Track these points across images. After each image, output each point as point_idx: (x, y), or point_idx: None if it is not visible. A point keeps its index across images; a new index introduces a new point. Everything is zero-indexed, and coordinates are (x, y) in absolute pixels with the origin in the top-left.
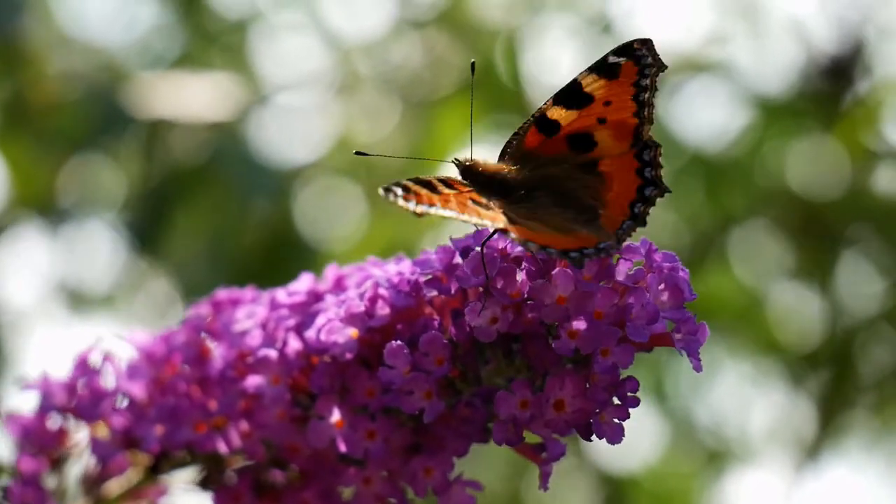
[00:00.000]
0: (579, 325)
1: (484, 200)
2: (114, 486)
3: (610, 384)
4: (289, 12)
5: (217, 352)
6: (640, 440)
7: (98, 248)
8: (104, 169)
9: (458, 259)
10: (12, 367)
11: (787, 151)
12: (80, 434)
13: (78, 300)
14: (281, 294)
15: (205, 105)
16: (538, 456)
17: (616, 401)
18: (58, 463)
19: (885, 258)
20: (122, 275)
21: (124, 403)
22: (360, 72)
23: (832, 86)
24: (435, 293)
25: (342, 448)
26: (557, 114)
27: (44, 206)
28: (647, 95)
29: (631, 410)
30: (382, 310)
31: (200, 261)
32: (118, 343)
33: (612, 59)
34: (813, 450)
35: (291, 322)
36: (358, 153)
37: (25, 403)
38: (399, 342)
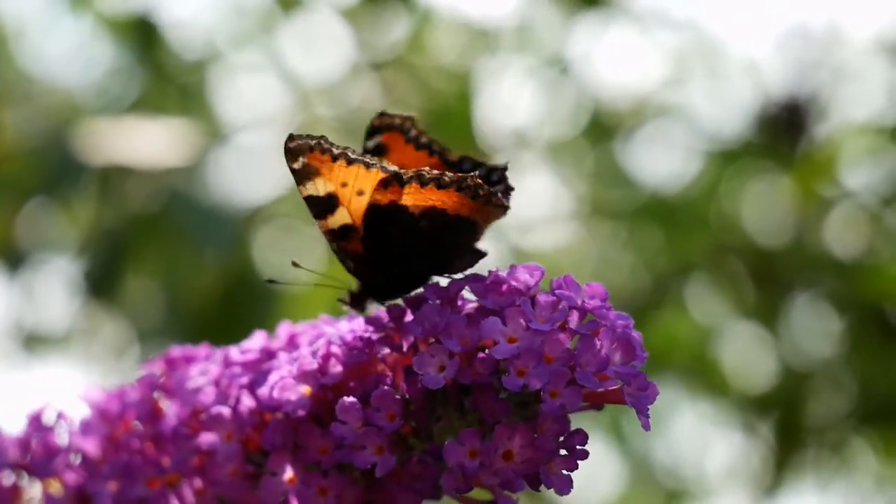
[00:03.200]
0: (528, 363)
1: None
2: None
3: (558, 434)
4: (247, 53)
5: (170, 409)
6: (599, 480)
7: (53, 292)
8: (59, 215)
9: (409, 317)
10: None
11: (743, 194)
12: (34, 490)
13: (33, 342)
14: (234, 352)
15: (160, 150)
16: None
17: (565, 452)
18: None
19: (837, 303)
20: (78, 318)
21: (77, 460)
22: (319, 113)
23: (788, 129)
24: (387, 351)
25: None
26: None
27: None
28: (424, 139)
29: (580, 462)
30: (335, 367)
31: (156, 306)
32: (71, 400)
33: (370, 143)
34: (769, 490)
35: (244, 380)
36: (294, 264)
37: None
38: (351, 398)
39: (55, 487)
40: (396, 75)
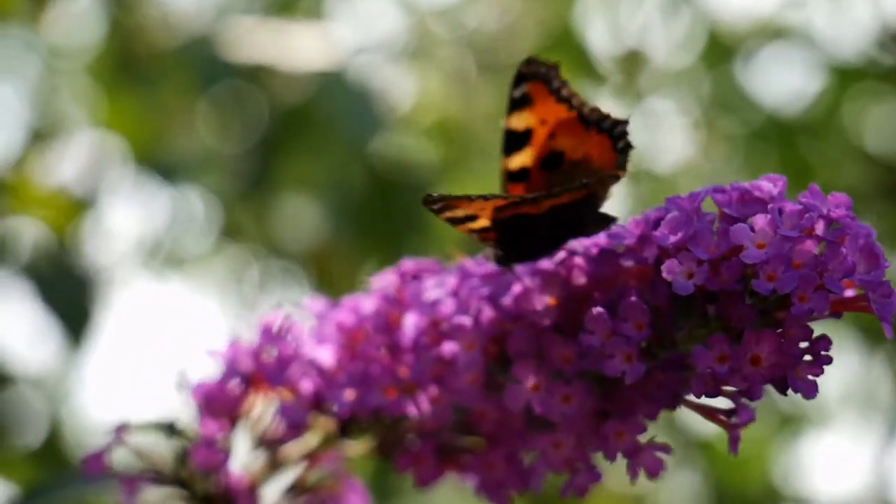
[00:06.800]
0: (777, 268)
1: None
2: (292, 450)
3: (803, 339)
4: None
5: (409, 320)
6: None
7: (197, 204)
8: (209, 117)
9: (651, 230)
10: (100, 326)
11: (865, 116)
12: (265, 398)
13: (174, 257)
14: (470, 264)
15: (305, 53)
16: (727, 421)
17: (809, 357)
18: (239, 426)
19: None
20: (218, 232)
21: (312, 370)
22: (436, 35)
23: None
24: (630, 263)
25: (538, 411)
26: (518, 161)
27: (149, 157)
28: (565, 92)
29: (825, 367)
30: (579, 279)
31: (311, 207)
32: (299, 311)
33: (516, 93)
34: (891, 415)
35: (485, 291)
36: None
37: (208, 371)
38: (600, 308)
39: (285, 396)
40: None
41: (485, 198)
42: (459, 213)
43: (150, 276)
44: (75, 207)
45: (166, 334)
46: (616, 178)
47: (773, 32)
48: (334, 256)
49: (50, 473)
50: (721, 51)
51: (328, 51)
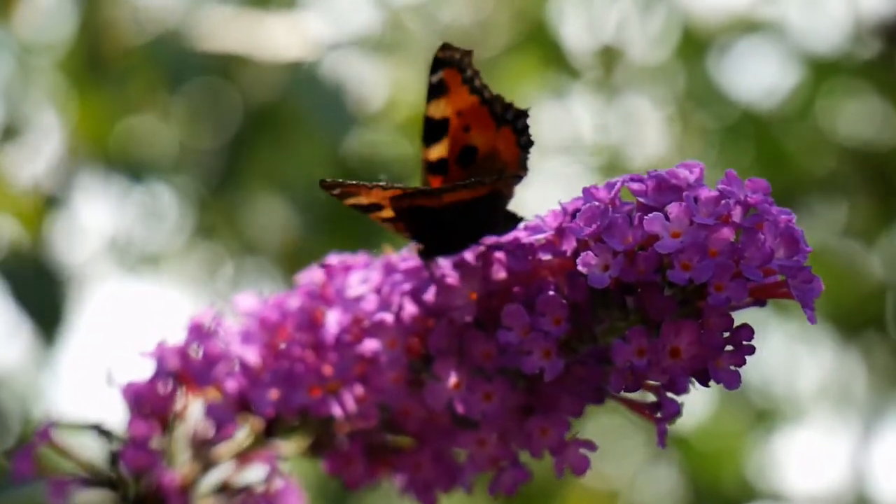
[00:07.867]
0: (693, 257)
1: None
2: (223, 450)
3: (724, 329)
4: None
5: (331, 317)
6: (689, 400)
7: (168, 202)
8: (182, 112)
9: (568, 222)
10: (72, 324)
11: (839, 109)
12: (192, 398)
13: (143, 256)
14: (394, 259)
15: (281, 45)
16: (653, 415)
17: (731, 347)
18: (169, 427)
19: None
20: (191, 230)
21: (237, 368)
22: (410, 30)
23: (887, 44)
24: (549, 256)
25: (460, 410)
26: (436, 152)
27: (119, 155)
28: (477, 83)
29: (747, 357)
30: (499, 273)
31: (281, 204)
32: (227, 309)
33: (433, 79)
34: (866, 409)
35: (407, 286)
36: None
37: (139, 372)
38: (517, 304)
39: (213, 395)
40: None
41: (382, 187)
42: (363, 200)
43: (124, 273)
44: (47, 205)
45: (140, 331)
46: (518, 179)
47: (747, 27)
48: (306, 253)
49: None
50: (696, 45)
51: (302, 43)
